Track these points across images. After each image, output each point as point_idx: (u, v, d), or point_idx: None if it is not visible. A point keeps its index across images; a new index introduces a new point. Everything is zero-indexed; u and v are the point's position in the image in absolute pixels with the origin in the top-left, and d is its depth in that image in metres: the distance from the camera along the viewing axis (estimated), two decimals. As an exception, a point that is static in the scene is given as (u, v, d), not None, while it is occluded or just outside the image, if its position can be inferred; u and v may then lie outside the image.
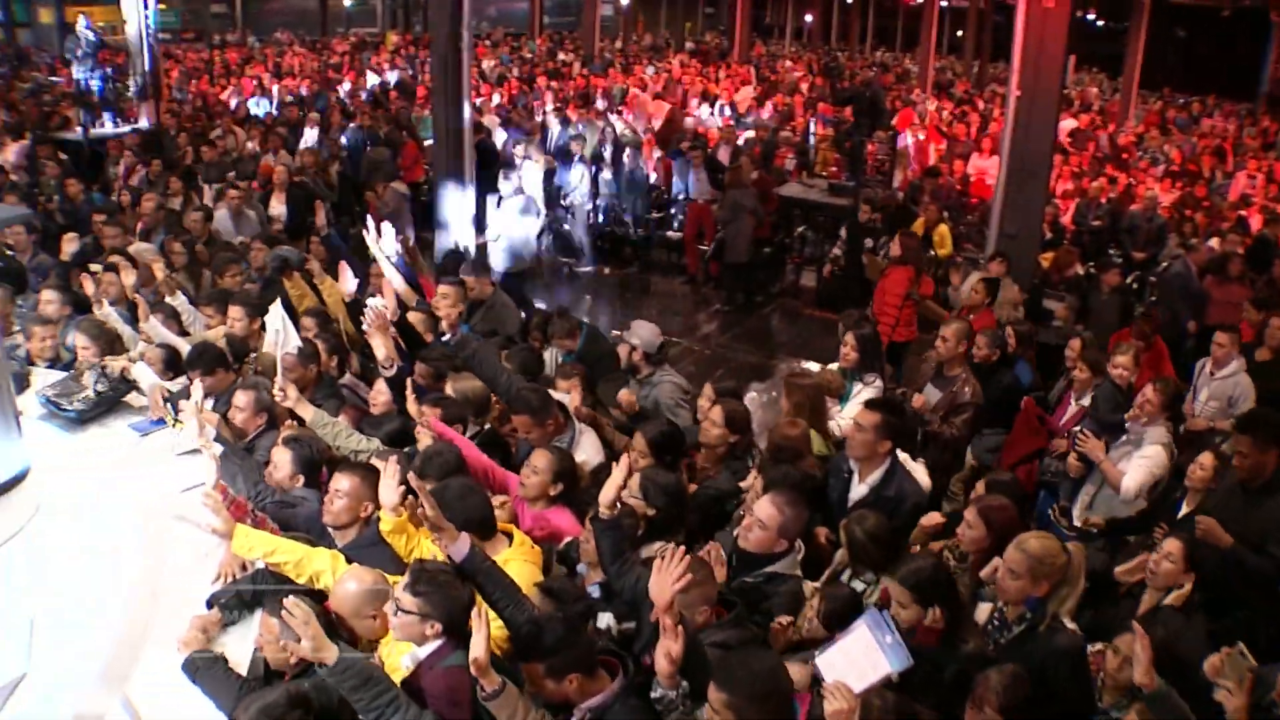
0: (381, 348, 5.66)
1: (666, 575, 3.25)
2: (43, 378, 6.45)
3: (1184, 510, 5.13)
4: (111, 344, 6.65)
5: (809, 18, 32.02)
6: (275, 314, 5.36)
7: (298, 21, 37.54)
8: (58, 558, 4.61)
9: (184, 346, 6.42)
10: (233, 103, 19.01)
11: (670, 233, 13.51)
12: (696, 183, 12.61)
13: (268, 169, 12.03)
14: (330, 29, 36.26)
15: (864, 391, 6.17)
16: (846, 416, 5.96)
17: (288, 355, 5.96)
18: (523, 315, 8.01)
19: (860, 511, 4.39)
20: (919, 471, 5.12)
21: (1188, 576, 4.24)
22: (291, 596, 3.44)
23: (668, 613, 3.19)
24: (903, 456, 5.07)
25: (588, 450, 5.25)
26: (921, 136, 15.74)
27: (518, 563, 4.07)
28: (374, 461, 4.67)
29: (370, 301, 5.99)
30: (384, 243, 7.17)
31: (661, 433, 5.04)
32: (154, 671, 3.98)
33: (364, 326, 5.87)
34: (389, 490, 4.20)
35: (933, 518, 4.62)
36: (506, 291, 9.73)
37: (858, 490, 4.84)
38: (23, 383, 6.33)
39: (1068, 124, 17.42)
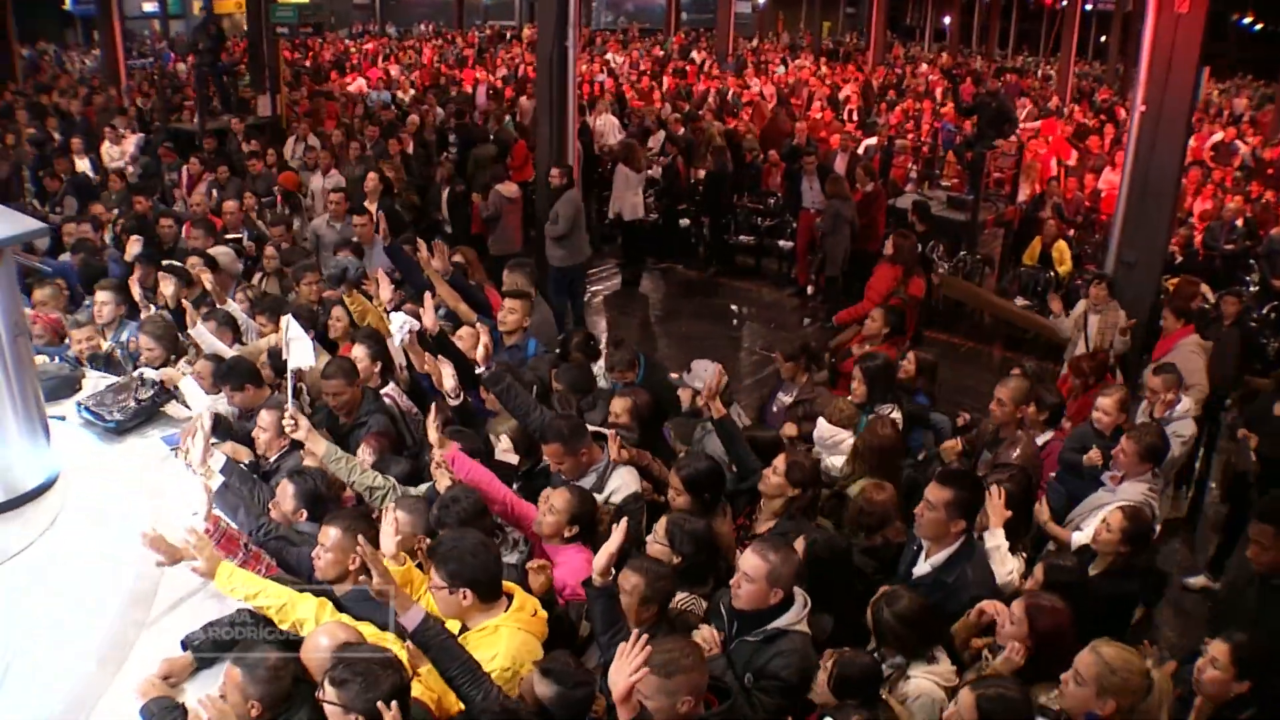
0: (448, 377, 5.46)
1: (625, 664, 3.04)
2: (95, 380, 6.45)
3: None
4: (175, 346, 6.61)
5: (947, 20, 30.78)
6: (288, 326, 5.16)
7: (437, 13, 38.29)
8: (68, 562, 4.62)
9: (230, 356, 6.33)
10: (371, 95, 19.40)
11: (783, 242, 13.09)
12: (809, 191, 12.11)
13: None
14: (468, 22, 36.77)
15: None
16: None
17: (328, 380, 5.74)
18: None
19: (893, 590, 3.92)
20: (1004, 562, 4.58)
21: (1241, 686, 3.65)
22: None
23: (624, 705, 2.95)
24: (994, 543, 4.61)
25: (621, 483, 4.90)
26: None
27: (509, 629, 3.75)
28: (388, 504, 4.49)
29: (394, 318, 5.81)
30: (436, 260, 7.01)
31: (697, 470, 4.67)
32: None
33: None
34: (387, 540, 4.01)
35: (993, 605, 3.99)
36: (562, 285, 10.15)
37: (921, 568, 4.37)
38: (75, 385, 6.37)
39: (1216, 136, 16.23)
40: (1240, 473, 7.05)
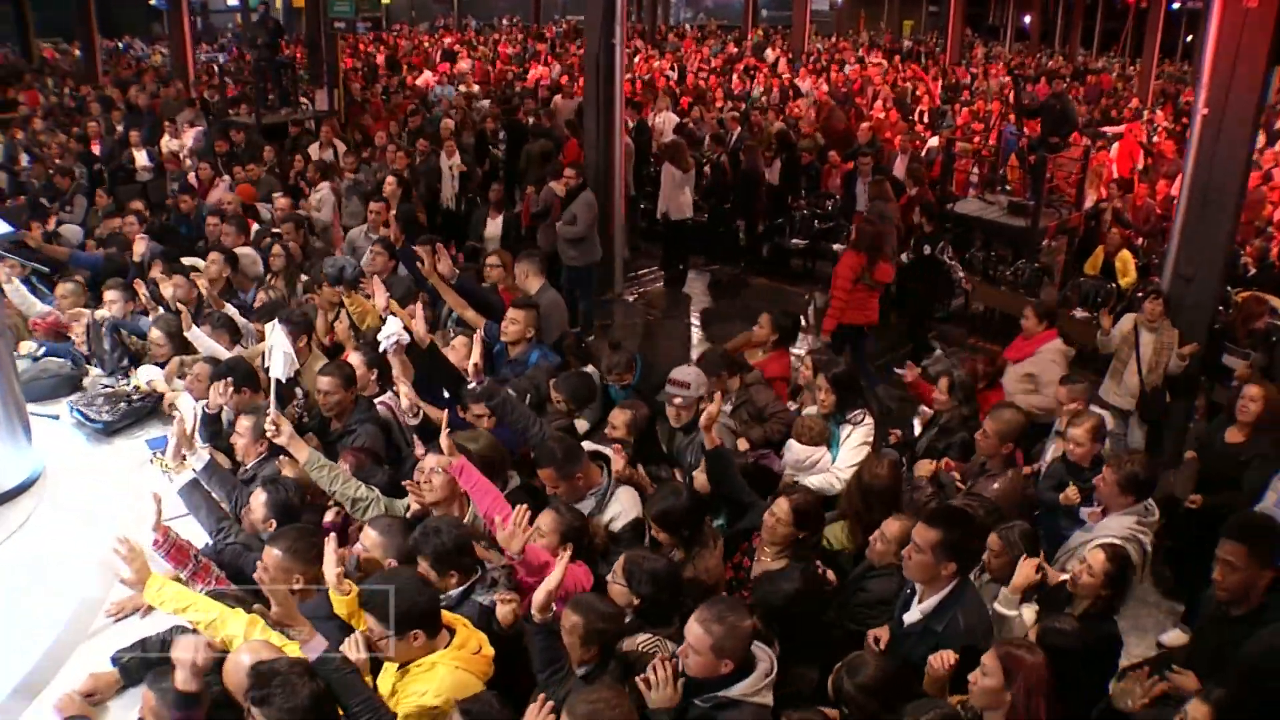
0: (404, 397, 5.36)
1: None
2: (95, 378, 6.48)
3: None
4: (184, 345, 6.55)
5: (1027, 19, 29.74)
6: (273, 332, 5.00)
7: (516, 7, 38.36)
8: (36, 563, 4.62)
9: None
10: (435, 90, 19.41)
11: (837, 245, 12.57)
12: (863, 193, 11.68)
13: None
14: (546, 16, 36.76)
15: (854, 433, 5.39)
16: (842, 466, 5.23)
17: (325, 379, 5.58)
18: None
19: (857, 657, 3.55)
20: (1013, 628, 4.20)
21: None
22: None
23: None
24: (1005, 611, 4.22)
25: (620, 507, 4.67)
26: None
27: (446, 667, 3.54)
28: (372, 524, 4.30)
29: (387, 324, 5.61)
30: (442, 264, 6.82)
31: (669, 509, 4.33)
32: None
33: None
34: (329, 570, 3.81)
35: (944, 657, 3.64)
36: (574, 284, 10.09)
37: (911, 614, 4.00)
38: (76, 385, 6.39)
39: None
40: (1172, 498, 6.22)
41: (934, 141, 14.76)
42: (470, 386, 5.18)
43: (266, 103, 15.21)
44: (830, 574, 4.37)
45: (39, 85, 20.04)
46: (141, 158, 13.98)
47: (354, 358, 5.87)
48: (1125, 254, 10.55)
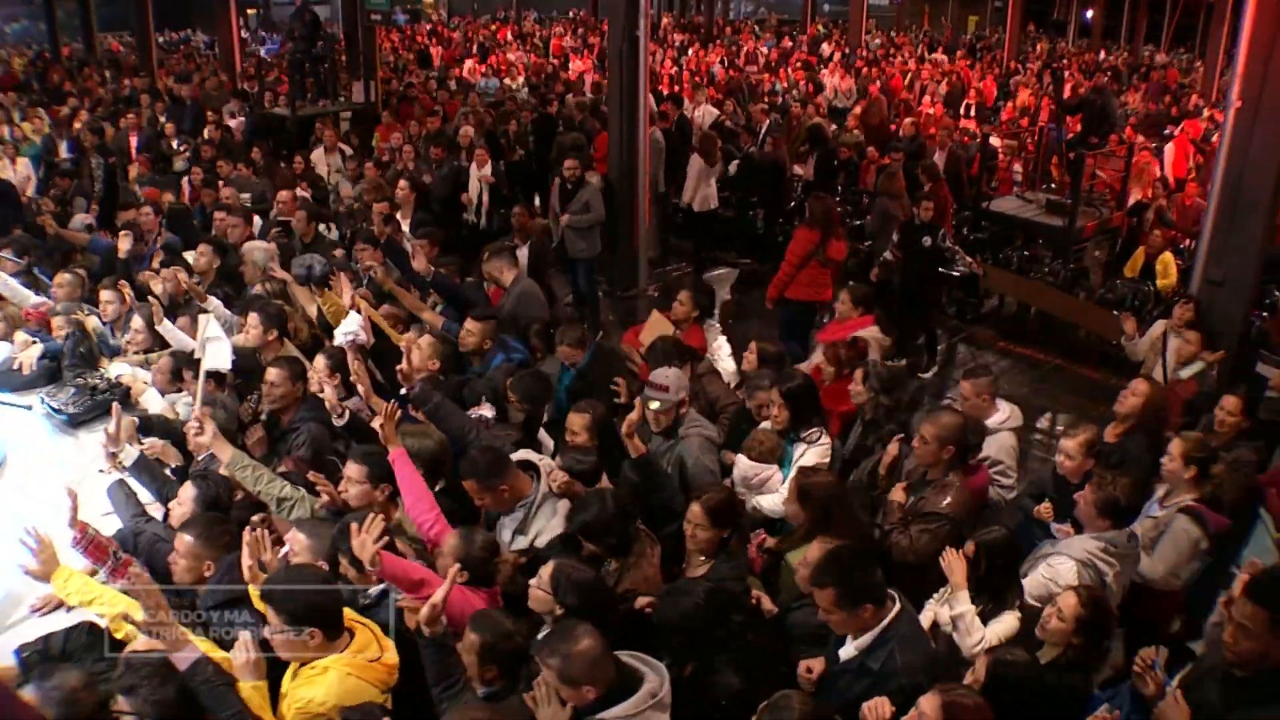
0: (328, 399, 5.17)
1: None
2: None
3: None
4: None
5: (1089, 13, 28.77)
6: (206, 325, 4.90)
7: (579, 1, 38.24)
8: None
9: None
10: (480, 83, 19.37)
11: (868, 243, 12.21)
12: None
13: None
14: (603, 11, 36.55)
15: (809, 453, 5.04)
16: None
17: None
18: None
19: (783, 696, 3.22)
20: (970, 632, 3.94)
21: None
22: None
23: None
24: (957, 610, 3.98)
25: (545, 523, 4.45)
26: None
27: (339, 673, 3.41)
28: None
29: (342, 329, 5.48)
30: (417, 261, 6.68)
31: (590, 521, 4.13)
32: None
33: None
34: (244, 562, 3.81)
35: (877, 708, 3.29)
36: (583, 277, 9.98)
37: (847, 650, 3.68)
38: (56, 375, 6.33)
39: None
40: None
41: (994, 140, 14.26)
42: (404, 390, 5.07)
43: (305, 95, 15.24)
44: (765, 600, 4.12)
45: (97, 78, 20.40)
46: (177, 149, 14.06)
47: (318, 361, 5.74)
48: (1167, 256, 10.02)
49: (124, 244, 7.80)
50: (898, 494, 4.71)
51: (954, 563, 4.06)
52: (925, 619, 4.13)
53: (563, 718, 3.20)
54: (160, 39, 29.77)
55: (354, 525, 3.70)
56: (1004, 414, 5.53)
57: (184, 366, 5.89)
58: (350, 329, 5.52)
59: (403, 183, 9.51)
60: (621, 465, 4.81)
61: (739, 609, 3.84)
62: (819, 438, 5.11)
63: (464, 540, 3.99)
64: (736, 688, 3.56)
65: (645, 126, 11.16)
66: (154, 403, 6.07)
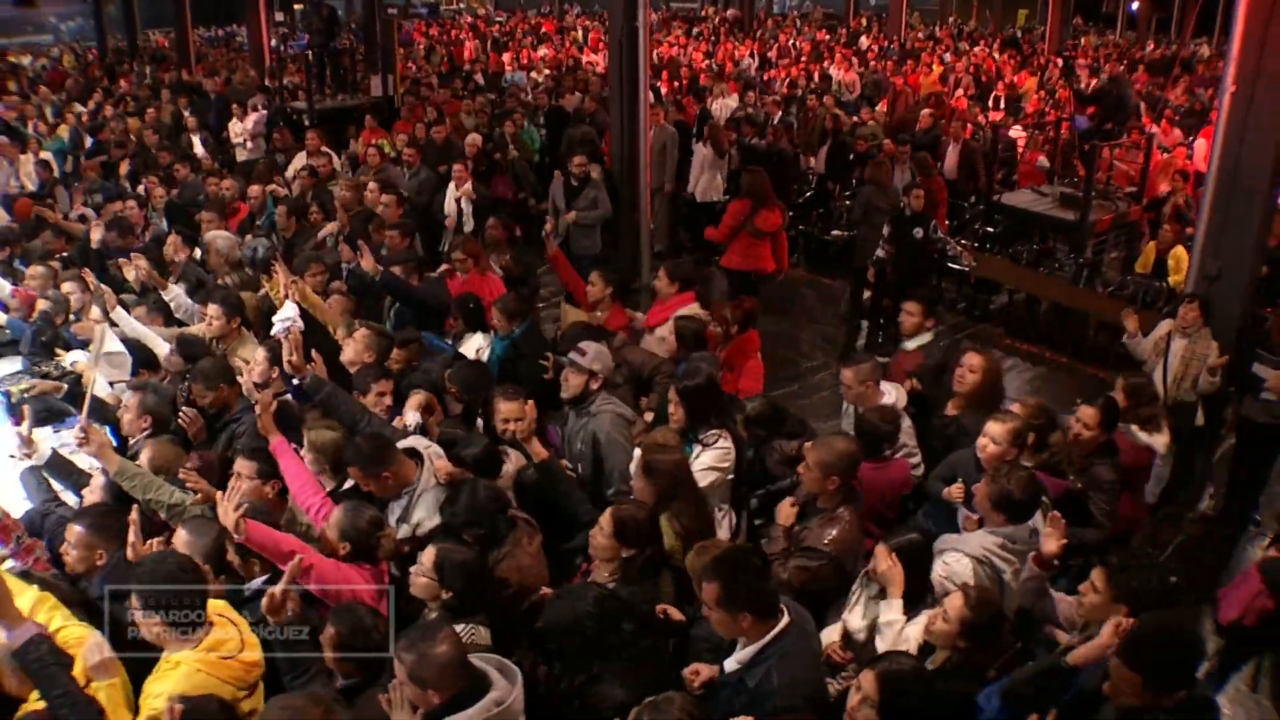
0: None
1: None
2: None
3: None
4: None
5: (1135, 5, 27.88)
6: (103, 337, 4.90)
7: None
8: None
9: (157, 344, 6.15)
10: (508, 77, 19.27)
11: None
12: (901, 179, 10.97)
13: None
14: (655, 4, 36.43)
15: (704, 455, 4.80)
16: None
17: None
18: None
19: (665, 698, 3.03)
20: (896, 644, 3.68)
21: None
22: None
23: None
24: (886, 617, 3.75)
25: (425, 512, 4.36)
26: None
27: (189, 668, 3.31)
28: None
29: (278, 317, 5.41)
30: (364, 261, 6.63)
31: (459, 510, 4.09)
32: None
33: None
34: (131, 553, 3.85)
35: None
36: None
37: (730, 662, 3.50)
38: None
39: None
40: None
41: (1013, 131, 13.86)
42: (295, 380, 5.04)
43: (323, 89, 15.28)
44: (673, 611, 3.93)
45: (135, 73, 20.71)
46: (196, 143, 14.17)
47: (257, 353, 5.68)
48: (1179, 250, 9.54)
49: (95, 234, 7.81)
50: (784, 513, 4.45)
51: (891, 571, 3.81)
52: (834, 631, 3.90)
53: None
54: (206, 34, 30.38)
55: (218, 494, 3.71)
56: (890, 396, 5.34)
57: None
58: (286, 317, 5.46)
59: (373, 185, 9.28)
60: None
61: (633, 618, 3.64)
62: (716, 440, 4.86)
63: (348, 514, 3.99)
64: (621, 699, 3.34)
65: (646, 118, 10.94)
66: (102, 390, 6.04)
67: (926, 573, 3.99)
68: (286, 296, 5.92)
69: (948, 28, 30.41)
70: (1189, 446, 7.07)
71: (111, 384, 4.98)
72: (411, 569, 3.75)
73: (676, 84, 17.57)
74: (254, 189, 9.33)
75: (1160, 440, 5.65)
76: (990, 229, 11.13)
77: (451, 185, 9.99)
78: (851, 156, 12.63)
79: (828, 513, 4.33)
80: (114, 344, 4.84)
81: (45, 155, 13.34)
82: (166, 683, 3.28)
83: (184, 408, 5.31)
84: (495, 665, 3.23)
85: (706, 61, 21.66)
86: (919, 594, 3.92)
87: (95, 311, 6.60)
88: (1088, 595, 3.73)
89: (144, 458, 4.74)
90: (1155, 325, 7.06)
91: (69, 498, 4.83)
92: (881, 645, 3.78)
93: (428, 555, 3.71)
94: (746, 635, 3.40)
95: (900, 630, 3.77)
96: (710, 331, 6.02)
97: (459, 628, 3.50)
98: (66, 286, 7.05)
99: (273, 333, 5.53)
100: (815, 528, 4.30)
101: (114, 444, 5.21)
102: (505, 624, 3.77)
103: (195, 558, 3.84)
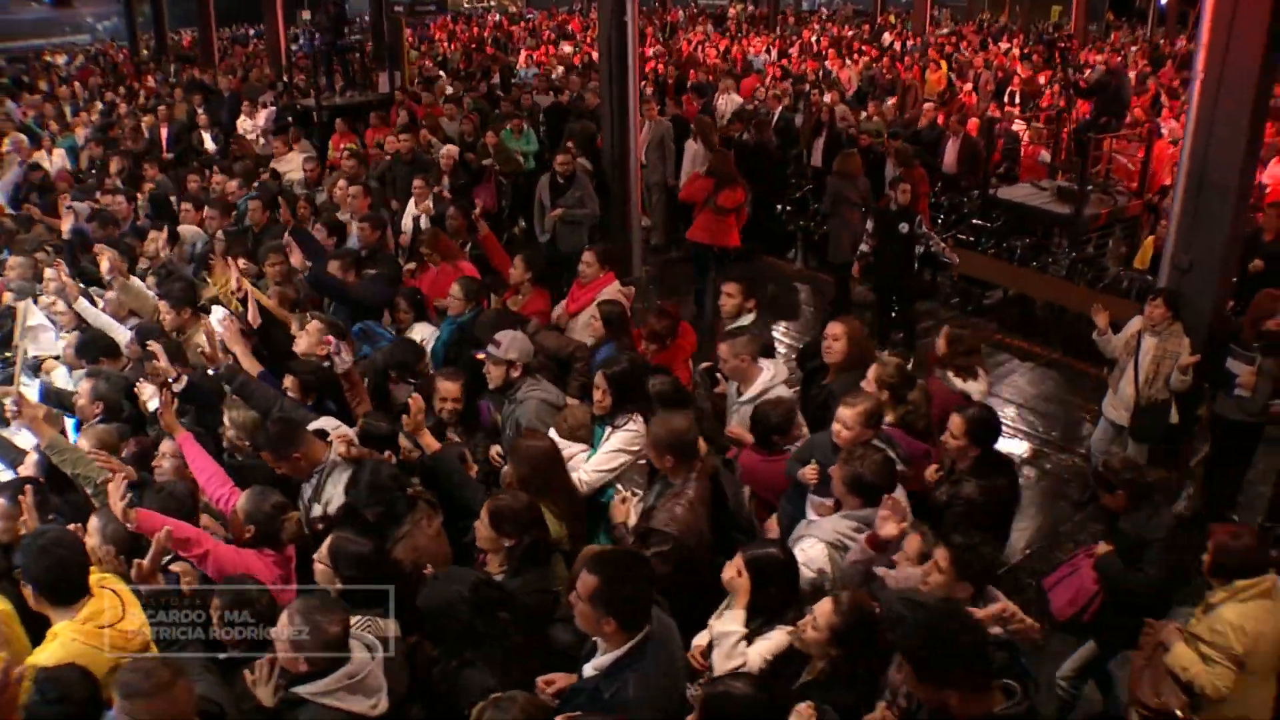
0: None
1: None
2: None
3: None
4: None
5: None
6: (26, 312, 5.04)
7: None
8: None
9: (120, 332, 6.29)
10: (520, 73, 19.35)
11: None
12: (891, 172, 10.85)
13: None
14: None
15: (614, 437, 4.80)
16: (589, 468, 4.73)
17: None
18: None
19: (507, 695, 3.00)
20: (731, 657, 3.52)
21: None
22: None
23: None
24: (723, 628, 3.59)
25: (334, 491, 4.46)
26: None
27: (65, 638, 3.42)
28: None
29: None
30: (294, 257, 6.82)
31: (358, 489, 4.23)
32: None
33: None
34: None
35: None
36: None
37: (589, 668, 3.41)
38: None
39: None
40: None
41: (1015, 125, 13.67)
42: (210, 370, 5.24)
43: (332, 86, 15.39)
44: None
45: (159, 70, 21.06)
46: (208, 139, 14.35)
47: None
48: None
49: (66, 224, 7.96)
50: (618, 511, 4.46)
51: (735, 580, 3.67)
52: (703, 636, 3.78)
53: (267, 697, 3.21)
54: (235, 33, 30.79)
55: (110, 486, 3.80)
56: (770, 372, 5.30)
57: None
58: (223, 315, 5.62)
59: (341, 182, 9.32)
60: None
61: (513, 608, 3.64)
62: (627, 423, 4.84)
63: (253, 498, 4.10)
64: (490, 688, 3.28)
65: (636, 113, 10.89)
66: (61, 379, 6.17)
67: (791, 587, 3.79)
68: (237, 289, 6.00)
69: (972, 24, 30.08)
70: (1165, 446, 6.93)
71: (37, 358, 5.11)
72: (314, 555, 3.82)
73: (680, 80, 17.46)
74: (231, 185, 9.45)
75: (975, 387, 5.68)
76: (986, 224, 10.96)
77: (411, 201, 9.58)
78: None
79: (675, 489, 4.29)
80: (37, 318, 4.96)
81: (58, 153, 13.62)
82: (44, 654, 3.38)
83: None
84: (363, 640, 3.33)
85: (719, 59, 21.57)
86: (779, 610, 3.68)
87: (60, 303, 6.71)
88: (932, 575, 3.65)
89: (83, 442, 4.86)
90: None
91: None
92: (716, 656, 3.61)
93: (325, 544, 3.79)
94: (607, 640, 3.32)
95: (735, 643, 3.58)
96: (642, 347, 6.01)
97: (357, 619, 3.55)
98: (48, 273, 7.18)
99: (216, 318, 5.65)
100: (662, 506, 4.25)
101: (65, 429, 5.41)
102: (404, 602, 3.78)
103: (105, 541, 3.94)
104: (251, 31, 31.62)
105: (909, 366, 5.65)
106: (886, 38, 25.74)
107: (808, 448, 4.72)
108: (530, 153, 12.26)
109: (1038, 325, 10.13)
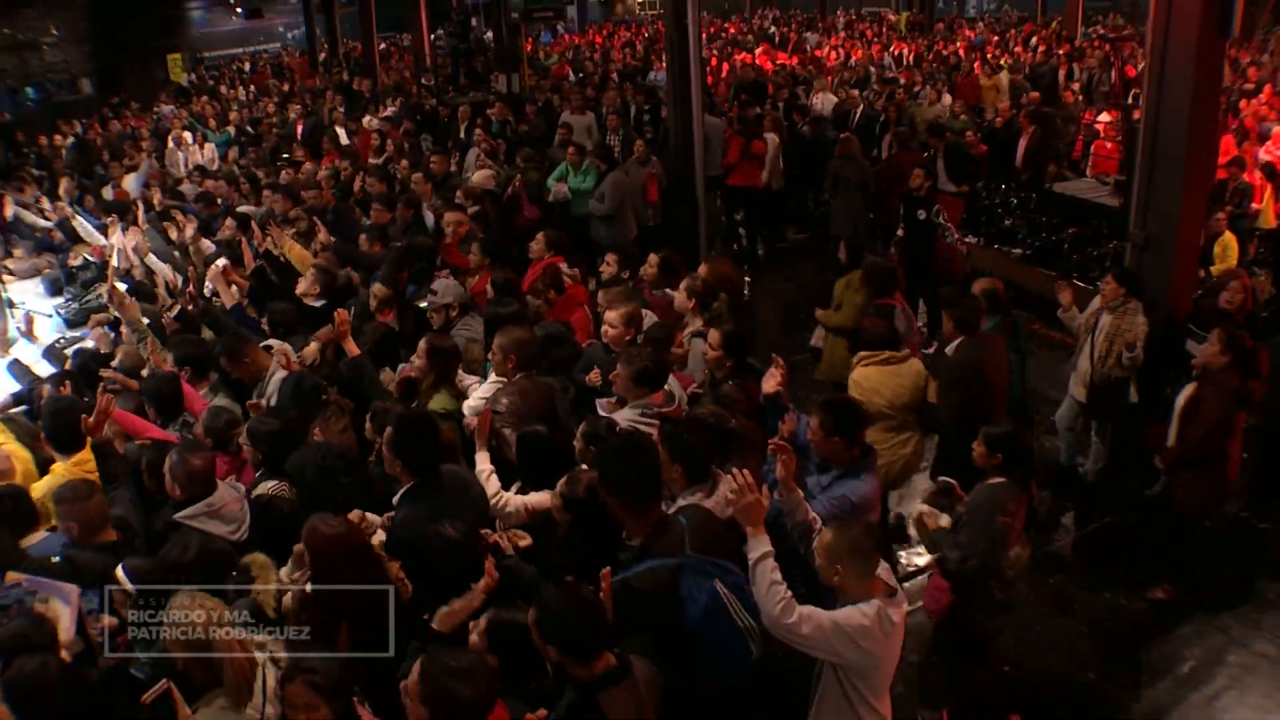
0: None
1: None
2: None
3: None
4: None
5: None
6: None
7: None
8: None
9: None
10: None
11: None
12: (941, 173, 10.98)
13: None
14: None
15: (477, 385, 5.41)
16: (474, 395, 5.25)
17: None
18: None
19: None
20: None
21: None
22: None
23: None
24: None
25: (274, 389, 5.43)
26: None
27: (61, 471, 4.71)
28: None
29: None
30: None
31: (289, 387, 5.25)
32: None
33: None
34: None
35: None
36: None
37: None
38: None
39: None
40: None
41: (1102, 117, 13.48)
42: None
43: (459, 86, 16.61)
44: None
45: (325, 75, 23.06)
46: (342, 134, 15.76)
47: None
48: (1228, 238, 9.21)
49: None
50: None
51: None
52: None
53: None
54: (394, 41, 32.84)
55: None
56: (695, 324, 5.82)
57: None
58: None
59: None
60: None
61: (351, 475, 4.41)
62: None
63: (210, 415, 5.03)
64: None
65: (700, 113, 11.23)
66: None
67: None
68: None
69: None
70: (1123, 425, 7.00)
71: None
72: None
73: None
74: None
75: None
76: (1018, 218, 11.08)
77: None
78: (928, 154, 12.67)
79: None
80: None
81: (209, 146, 15.39)
82: (45, 481, 4.75)
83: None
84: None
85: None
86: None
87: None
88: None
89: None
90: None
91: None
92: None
93: (246, 426, 4.76)
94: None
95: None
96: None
97: (271, 483, 4.50)
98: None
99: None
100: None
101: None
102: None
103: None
104: (408, 39, 33.71)
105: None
106: (1034, 40, 25.20)
107: (586, 359, 5.40)
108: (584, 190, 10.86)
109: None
